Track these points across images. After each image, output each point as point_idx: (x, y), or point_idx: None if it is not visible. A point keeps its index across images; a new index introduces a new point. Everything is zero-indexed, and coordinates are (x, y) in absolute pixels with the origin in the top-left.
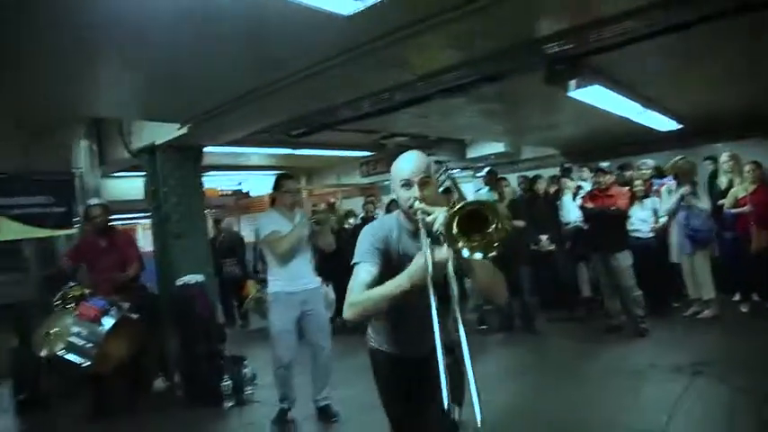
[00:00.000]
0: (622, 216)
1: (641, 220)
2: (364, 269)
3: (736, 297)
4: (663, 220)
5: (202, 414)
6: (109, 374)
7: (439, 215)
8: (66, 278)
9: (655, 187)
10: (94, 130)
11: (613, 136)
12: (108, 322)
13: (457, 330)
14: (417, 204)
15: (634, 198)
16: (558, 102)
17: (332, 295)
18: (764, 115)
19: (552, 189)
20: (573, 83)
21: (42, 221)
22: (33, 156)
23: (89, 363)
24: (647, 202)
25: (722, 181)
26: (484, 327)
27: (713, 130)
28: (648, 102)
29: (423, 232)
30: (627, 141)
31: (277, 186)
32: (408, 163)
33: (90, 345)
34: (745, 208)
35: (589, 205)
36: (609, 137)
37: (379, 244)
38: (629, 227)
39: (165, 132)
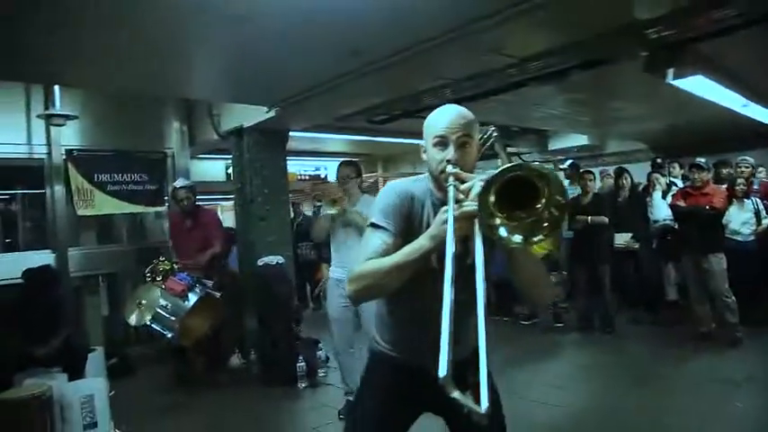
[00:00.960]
0: (718, 216)
1: (741, 222)
2: (378, 236)
3: None
4: (766, 222)
5: (276, 393)
6: (190, 347)
7: (476, 184)
8: (158, 253)
9: (756, 186)
10: (185, 113)
11: (711, 130)
12: (192, 298)
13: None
14: (450, 168)
15: (732, 198)
16: (653, 92)
17: None
18: None
19: (641, 185)
20: (673, 71)
21: (136, 198)
22: (131, 135)
23: (172, 335)
24: (748, 202)
25: None
26: (559, 325)
27: None
28: (754, 94)
29: (451, 203)
30: (726, 136)
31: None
32: (446, 116)
33: (174, 318)
34: None
35: (681, 203)
36: (706, 131)
37: (403, 208)
38: (727, 228)
39: (253, 115)
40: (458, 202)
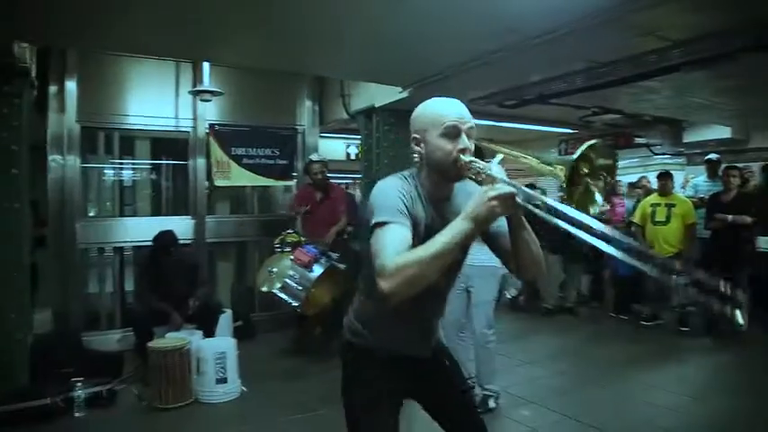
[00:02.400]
0: None
1: None
2: (398, 231)
3: None
4: None
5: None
6: (311, 317)
7: (494, 167)
8: (285, 224)
9: None
10: (318, 92)
11: None
12: (317, 269)
13: None
14: (466, 157)
15: None
16: None
17: None
18: None
19: None
20: None
21: (268, 171)
22: (266, 112)
23: (298, 304)
24: None
25: None
26: (685, 329)
27: None
28: None
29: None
30: None
31: None
32: (455, 107)
33: (300, 288)
34: None
35: None
36: None
37: (407, 204)
38: None
39: (385, 95)
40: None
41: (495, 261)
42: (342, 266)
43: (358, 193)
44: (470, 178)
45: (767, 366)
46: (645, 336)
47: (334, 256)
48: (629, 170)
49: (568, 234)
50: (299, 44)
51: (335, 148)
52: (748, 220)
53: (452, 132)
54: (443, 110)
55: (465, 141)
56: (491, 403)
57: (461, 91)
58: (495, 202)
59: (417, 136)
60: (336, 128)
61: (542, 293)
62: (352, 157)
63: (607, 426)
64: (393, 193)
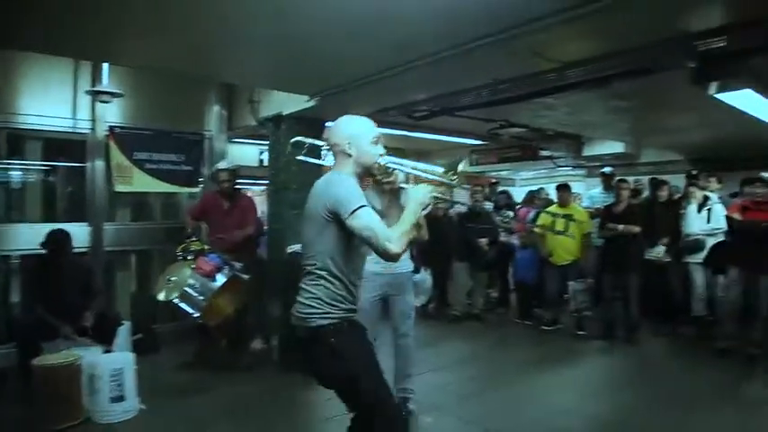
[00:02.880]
0: None
1: None
2: (372, 212)
3: None
4: None
5: (294, 380)
6: (214, 328)
7: (407, 165)
8: (188, 233)
9: None
10: (226, 97)
11: (756, 145)
12: (220, 279)
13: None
14: (382, 160)
15: None
16: (698, 103)
17: (429, 282)
18: None
19: (676, 196)
20: (721, 84)
21: (172, 177)
22: (171, 116)
23: (198, 314)
24: None
25: None
26: (582, 332)
27: None
28: None
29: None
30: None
31: None
32: (371, 122)
33: (202, 298)
34: None
35: (737, 216)
36: (750, 146)
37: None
38: None
39: (293, 103)
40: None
41: (410, 268)
42: (245, 277)
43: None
44: (373, 175)
45: (655, 365)
46: (546, 340)
47: (238, 266)
48: (537, 181)
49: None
50: (201, 49)
51: (248, 153)
52: (636, 229)
53: (378, 141)
54: (369, 125)
55: (383, 149)
56: (411, 406)
57: (366, 102)
58: (432, 196)
59: (349, 142)
60: (249, 133)
61: (451, 300)
62: (266, 163)
63: (505, 429)
64: (353, 186)
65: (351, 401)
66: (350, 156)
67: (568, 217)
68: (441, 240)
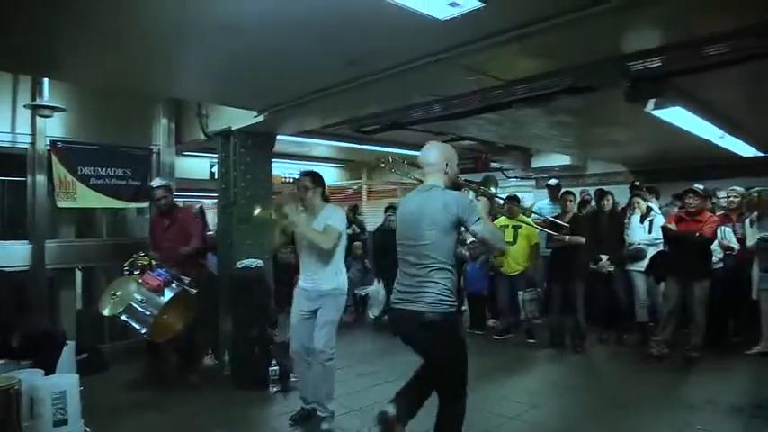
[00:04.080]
0: (706, 244)
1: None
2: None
3: None
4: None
5: (247, 396)
6: (163, 344)
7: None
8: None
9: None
10: (174, 110)
11: (690, 158)
12: (168, 294)
13: None
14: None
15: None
16: (635, 119)
17: (382, 294)
18: None
19: (619, 207)
20: (654, 101)
21: (118, 193)
22: (117, 130)
23: (146, 330)
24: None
25: None
26: (532, 341)
27: None
28: (731, 127)
29: None
30: (703, 165)
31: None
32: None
33: (149, 313)
34: None
35: (672, 227)
36: (685, 158)
37: None
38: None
39: (242, 118)
40: None
41: (335, 284)
42: (194, 291)
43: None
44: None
45: (601, 371)
46: (497, 349)
47: (187, 280)
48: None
49: None
50: (145, 65)
51: (199, 166)
52: (582, 240)
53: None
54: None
55: None
56: (324, 426)
57: (314, 118)
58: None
59: (447, 163)
60: (200, 146)
61: None
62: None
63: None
64: (469, 200)
65: (442, 373)
66: (446, 174)
67: (516, 228)
68: (394, 251)
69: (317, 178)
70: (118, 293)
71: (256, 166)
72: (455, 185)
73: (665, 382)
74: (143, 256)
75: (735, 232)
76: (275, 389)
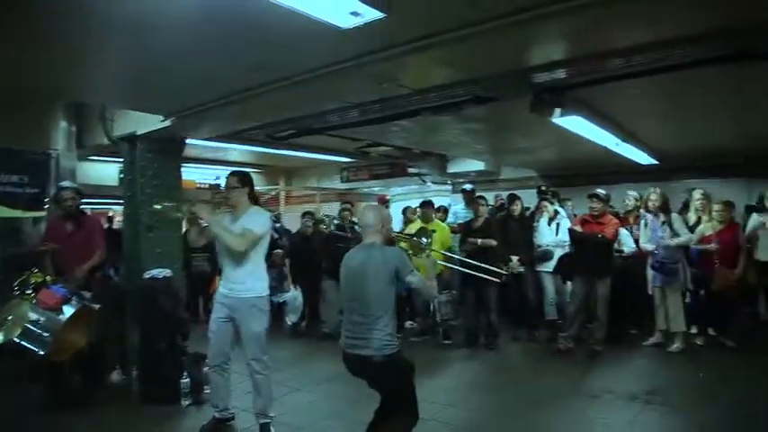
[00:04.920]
0: (608, 244)
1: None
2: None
3: (693, 330)
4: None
5: (158, 411)
6: (65, 363)
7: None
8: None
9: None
10: (74, 113)
11: (592, 164)
12: (68, 311)
13: None
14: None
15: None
16: (541, 127)
17: (299, 300)
18: (737, 156)
19: (528, 211)
20: (557, 111)
21: (13, 201)
22: (11, 133)
23: (44, 352)
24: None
25: (691, 217)
26: (448, 342)
27: (688, 166)
28: (627, 135)
29: None
30: (606, 171)
31: None
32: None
33: (47, 334)
34: (711, 246)
35: (578, 229)
36: (588, 164)
37: None
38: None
39: (148, 122)
40: None
41: (256, 291)
42: (96, 306)
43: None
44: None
45: (513, 368)
46: (414, 351)
47: (87, 295)
48: (408, 196)
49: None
50: (40, 66)
51: (107, 172)
52: (493, 243)
53: None
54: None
55: None
56: (273, 430)
57: (224, 122)
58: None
59: (383, 223)
60: (107, 151)
61: (323, 317)
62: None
63: None
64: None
65: (394, 399)
66: (382, 232)
67: (432, 233)
68: (310, 258)
69: (244, 178)
70: (10, 317)
71: (165, 173)
72: (389, 241)
73: (570, 374)
74: (36, 273)
75: (632, 234)
76: (187, 402)
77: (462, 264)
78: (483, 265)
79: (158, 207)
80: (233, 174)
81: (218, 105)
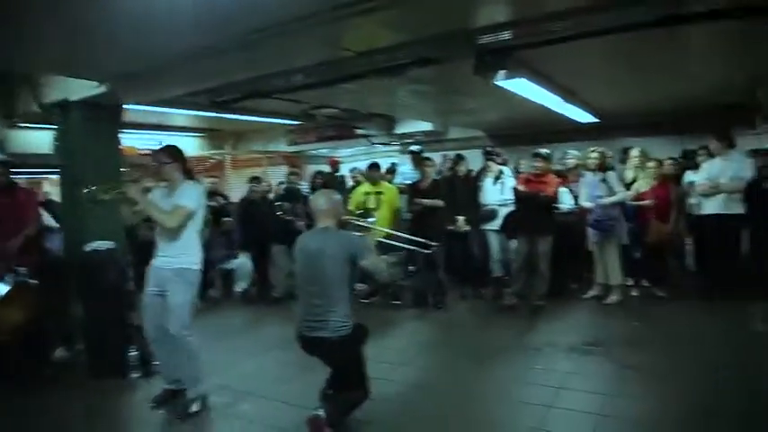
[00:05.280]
0: (550, 203)
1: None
2: None
3: (629, 282)
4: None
5: (106, 385)
6: (4, 343)
7: None
8: None
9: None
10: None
11: (537, 123)
12: (3, 288)
13: None
14: None
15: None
16: (486, 89)
17: (249, 266)
18: (669, 114)
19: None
20: (501, 73)
21: None
22: None
23: None
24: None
25: (629, 174)
26: (397, 302)
27: (626, 125)
28: (569, 95)
29: None
30: (549, 130)
31: None
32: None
33: None
34: (646, 202)
35: (521, 188)
36: (533, 124)
37: None
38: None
39: (82, 88)
40: None
41: (186, 263)
42: (33, 282)
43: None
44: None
45: (461, 325)
46: (364, 314)
47: (23, 270)
48: (356, 158)
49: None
50: None
51: (40, 139)
52: (440, 203)
53: None
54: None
55: None
56: (194, 407)
57: (162, 87)
58: None
59: (335, 207)
60: (35, 120)
61: (273, 282)
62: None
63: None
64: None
65: (345, 373)
66: (335, 216)
67: (379, 194)
68: (258, 223)
69: (173, 152)
70: None
71: (102, 140)
72: (341, 224)
73: (515, 329)
74: None
75: (573, 192)
76: (136, 375)
77: (399, 239)
78: (414, 237)
79: (86, 191)
80: (163, 149)
81: (155, 70)
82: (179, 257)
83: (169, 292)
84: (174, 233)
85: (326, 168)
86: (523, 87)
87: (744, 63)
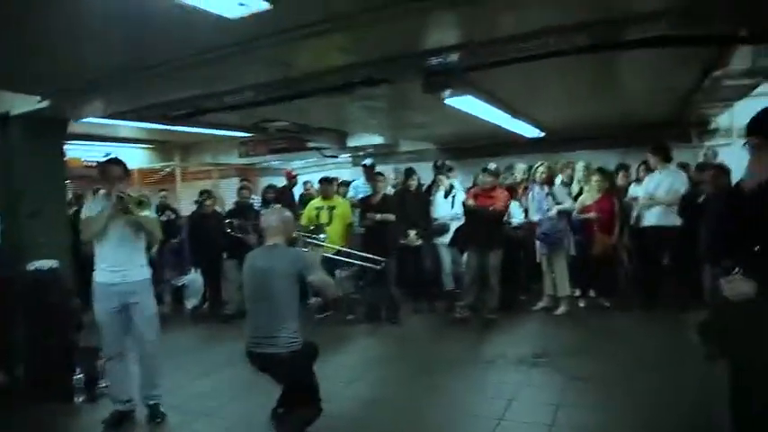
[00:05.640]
0: (499, 217)
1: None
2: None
3: (577, 293)
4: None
5: (49, 410)
6: None
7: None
8: None
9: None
10: None
11: (486, 138)
12: None
13: None
14: None
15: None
16: (435, 105)
17: (200, 283)
18: (612, 129)
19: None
20: (447, 92)
21: None
22: None
23: None
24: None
25: (574, 188)
26: (351, 316)
27: (570, 138)
28: (514, 111)
29: None
30: (498, 143)
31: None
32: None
33: None
34: (591, 215)
35: (471, 202)
36: (482, 138)
37: None
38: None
39: (24, 102)
40: None
41: (148, 273)
42: None
43: None
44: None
45: (414, 339)
46: (317, 329)
47: None
48: (307, 170)
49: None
50: None
51: None
52: (391, 218)
53: None
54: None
55: None
56: (162, 409)
57: (108, 103)
58: None
59: (285, 225)
60: None
61: (225, 298)
62: None
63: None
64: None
65: (296, 390)
66: (284, 233)
67: (331, 209)
68: (208, 238)
69: (125, 167)
70: None
71: (44, 155)
72: (291, 241)
73: (467, 342)
74: None
75: (522, 205)
76: (81, 398)
77: (348, 255)
78: (364, 254)
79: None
80: (115, 163)
81: (101, 87)
82: (141, 269)
83: (139, 305)
84: (138, 246)
85: (280, 181)
86: (470, 104)
87: (672, 84)
